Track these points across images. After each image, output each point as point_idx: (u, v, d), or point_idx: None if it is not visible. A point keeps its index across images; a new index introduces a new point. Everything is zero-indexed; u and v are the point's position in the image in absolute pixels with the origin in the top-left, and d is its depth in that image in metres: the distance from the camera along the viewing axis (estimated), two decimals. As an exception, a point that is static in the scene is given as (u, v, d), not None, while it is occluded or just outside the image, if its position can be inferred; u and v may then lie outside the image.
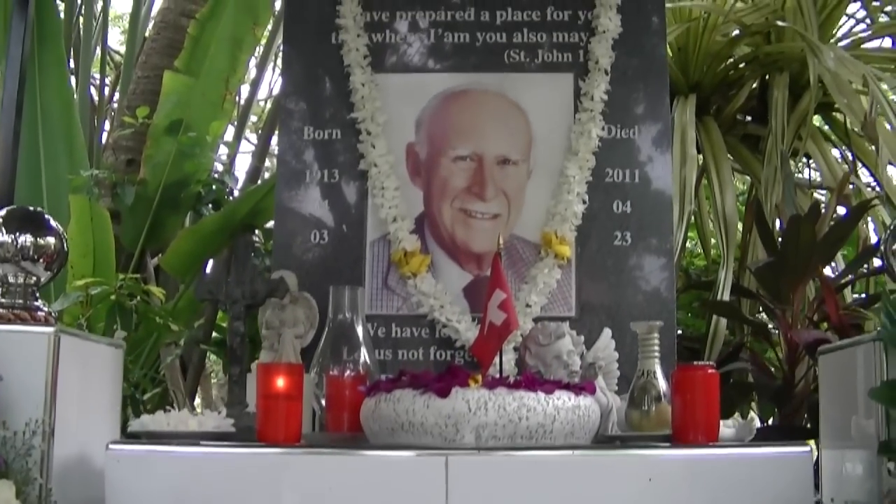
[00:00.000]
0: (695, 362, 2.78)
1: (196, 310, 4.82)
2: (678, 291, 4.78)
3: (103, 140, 6.08)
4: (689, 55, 5.01)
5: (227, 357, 3.10)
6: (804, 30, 4.59)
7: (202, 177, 4.89)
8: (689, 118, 4.59)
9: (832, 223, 4.17)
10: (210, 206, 4.93)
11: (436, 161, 3.58)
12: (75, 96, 5.50)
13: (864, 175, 5.09)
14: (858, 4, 5.60)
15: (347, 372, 2.90)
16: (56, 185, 4.85)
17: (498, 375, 2.95)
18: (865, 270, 4.45)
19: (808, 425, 3.94)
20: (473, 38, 3.69)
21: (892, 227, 3.02)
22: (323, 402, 2.92)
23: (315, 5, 3.72)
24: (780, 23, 4.88)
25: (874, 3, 5.67)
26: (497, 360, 2.94)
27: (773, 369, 4.35)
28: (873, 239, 4.77)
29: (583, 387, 2.73)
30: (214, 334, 4.95)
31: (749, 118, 5.23)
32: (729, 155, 4.80)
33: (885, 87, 4.44)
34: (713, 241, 4.94)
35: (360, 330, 3.02)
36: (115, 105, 6.40)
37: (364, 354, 3.00)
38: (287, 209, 3.62)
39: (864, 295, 4.61)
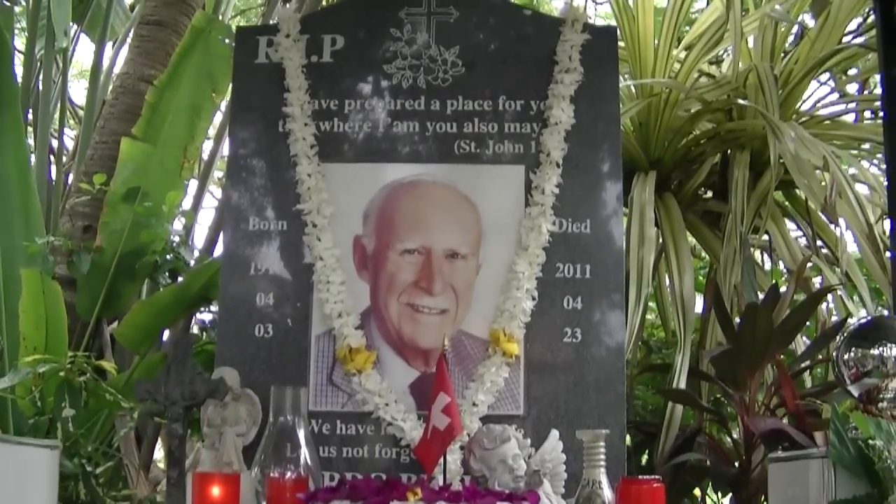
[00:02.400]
0: (640, 476, 2.73)
1: (151, 381, 4.73)
2: (637, 364, 4.76)
3: (65, 193, 6.01)
4: (650, 131, 4.98)
5: (166, 459, 3.04)
6: (765, 108, 4.56)
7: (158, 247, 4.82)
8: (649, 197, 4.55)
9: (791, 309, 4.13)
10: (167, 275, 4.86)
11: (383, 254, 3.49)
12: (33, 159, 5.44)
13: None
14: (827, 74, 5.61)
15: (288, 474, 2.85)
16: (12, 253, 4.77)
17: (442, 479, 2.92)
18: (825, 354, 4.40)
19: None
20: (423, 128, 3.60)
21: (843, 336, 3.00)
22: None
23: (262, 93, 3.65)
24: (741, 101, 4.85)
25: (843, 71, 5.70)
26: (442, 462, 2.91)
27: (731, 443, 4.32)
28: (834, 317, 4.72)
29: (524, 497, 2.69)
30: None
31: (710, 193, 5.20)
32: (689, 233, 4.76)
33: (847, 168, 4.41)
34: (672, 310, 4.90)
35: (301, 432, 2.98)
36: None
37: (305, 455, 2.96)
38: (231, 302, 3.55)
39: (823, 379, 4.57)
